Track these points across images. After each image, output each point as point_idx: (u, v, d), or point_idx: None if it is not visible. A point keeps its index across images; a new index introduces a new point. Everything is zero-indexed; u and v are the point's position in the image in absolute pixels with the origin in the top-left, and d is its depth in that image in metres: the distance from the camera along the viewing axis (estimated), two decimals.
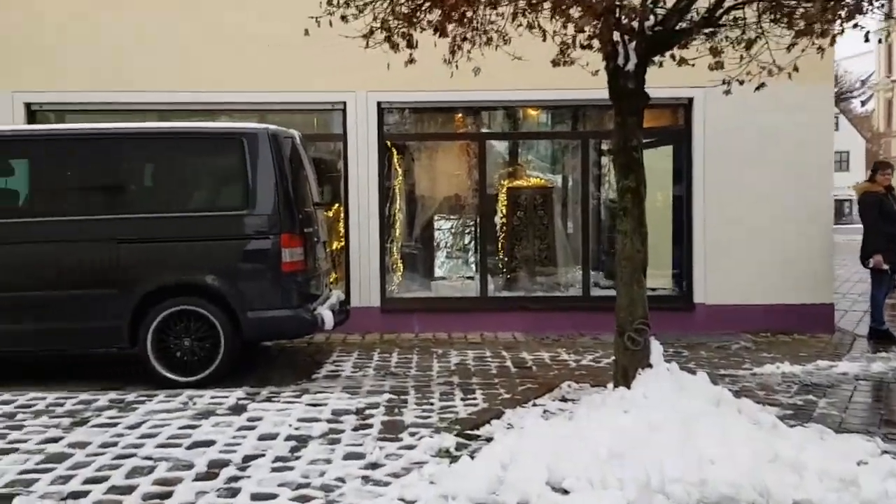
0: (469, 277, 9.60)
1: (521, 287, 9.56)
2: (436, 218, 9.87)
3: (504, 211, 9.63)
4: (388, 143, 9.27)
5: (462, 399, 5.91)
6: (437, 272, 9.75)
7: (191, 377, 6.29)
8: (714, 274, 9.02)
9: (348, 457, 4.57)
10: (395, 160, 9.45)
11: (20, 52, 8.61)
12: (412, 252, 9.72)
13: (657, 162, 9.64)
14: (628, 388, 5.18)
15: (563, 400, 5.97)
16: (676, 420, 4.24)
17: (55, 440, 4.92)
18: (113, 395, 6.07)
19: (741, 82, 6.46)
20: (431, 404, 5.76)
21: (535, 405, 5.76)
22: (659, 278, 9.53)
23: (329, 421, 5.29)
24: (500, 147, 9.95)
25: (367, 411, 5.54)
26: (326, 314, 6.66)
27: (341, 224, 9.17)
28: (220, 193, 6.74)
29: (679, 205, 9.34)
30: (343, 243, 9.09)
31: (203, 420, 5.33)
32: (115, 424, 5.25)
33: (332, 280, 7.99)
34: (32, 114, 8.86)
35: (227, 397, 5.93)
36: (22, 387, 6.26)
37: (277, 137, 6.56)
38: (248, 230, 6.38)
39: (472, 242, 9.75)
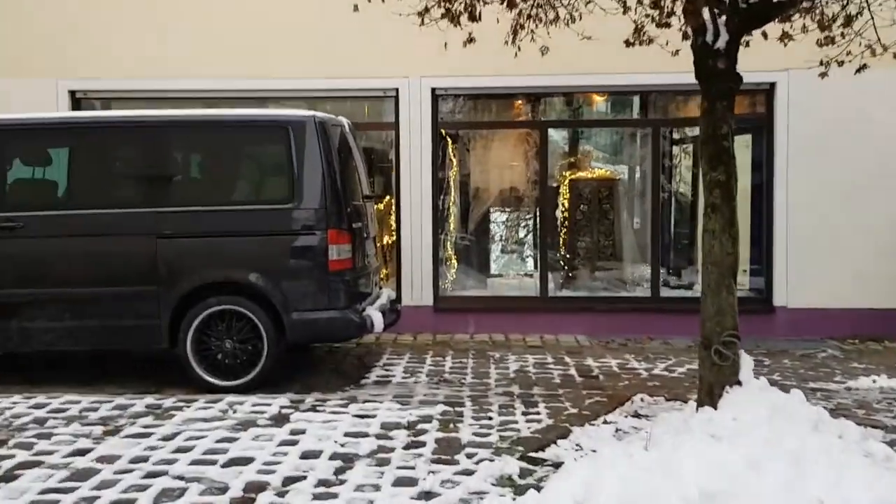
0: (528, 275, 9.03)
1: (584, 286, 8.96)
2: (492, 211, 9.33)
3: (566, 204, 9.03)
4: (443, 132, 8.75)
5: (523, 413, 5.38)
6: (494, 269, 9.21)
7: (232, 381, 5.89)
8: (797, 275, 8.28)
9: (399, 482, 4.08)
10: (450, 150, 8.93)
11: (64, 39, 8.33)
12: (467, 247, 9.20)
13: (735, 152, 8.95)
14: (715, 408, 4.58)
15: (637, 416, 5.39)
16: (780, 454, 3.64)
17: (84, 452, 4.54)
18: (150, 399, 5.71)
19: (840, 63, 5.79)
20: (490, 419, 5.23)
21: (605, 422, 5.19)
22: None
23: (378, 436, 4.81)
24: (562, 136, 9.35)
25: (420, 425, 5.05)
26: (376, 316, 6.18)
27: (392, 217, 8.70)
28: (263, 186, 6.32)
29: (758, 199, 8.61)
30: (394, 238, 8.62)
31: (242, 432, 4.90)
32: (148, 435, 4.86)
33: (381, 278, 7.52)
34: (77, 101, 8.59)
35: (269, 405, 5.51)
36: (58, 388, 5.95)
37: (325, 126, 6.09)
38: (293, 225, 5.93)
39: (531, 237, 9.18)
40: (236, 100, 7.99)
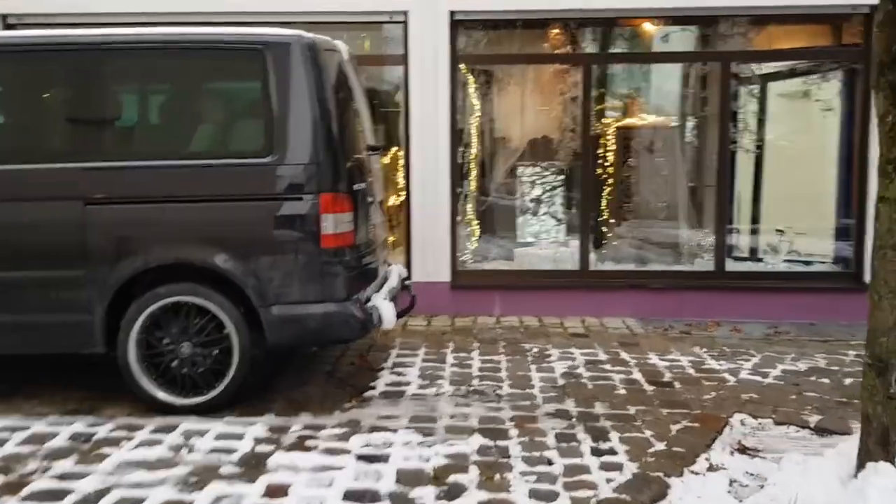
0: (564, 244, 7.47)
1: (633, 257, 7.40)
2: (522, 166, 7.72)
3: (611, 157, 7.42)
4: (464, 68, 7.11)
5: (593, 451, 3.88)
6: (523, 236, 7.63)
7: (192, 399, 4.38)
8: None
9: None
10: (472, 91, 7.29)
11: None
12: (491, 210, 7.62)
13: (818, 94, 7.33)
14: (893, 462, 3.09)
15: (745, 451, 3.91)
16: None
17: None
18: (80, 425, 4.20)
19: None
20: (548, 462, 3.73)
21: (711, 467, 3.70)
22: (816, 248, 7.33)
23: (393, 498, 3.32)
24: (607, 74, 7.68)
25: (452, 476, 3.54)
26: (385, 307, 4.65)
27: (400, 174, 7.10)
28: (232, 133, 4.68)
29: (848, 154, 7.03)
30: (402, 199, 7.04)
31: (196, 492, 3.40)
32: (60, 496, 3.36)
33: (389, 250, 5.96)
34: (10, 28, 6.92)
35: (240, 437, 4.00)
36: None
37: (317, 51, 4.46)
38: (272, 187, 4.35)
39: (569, 198, 7.59)
40: (203, 24, 6.31)
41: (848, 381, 5.12)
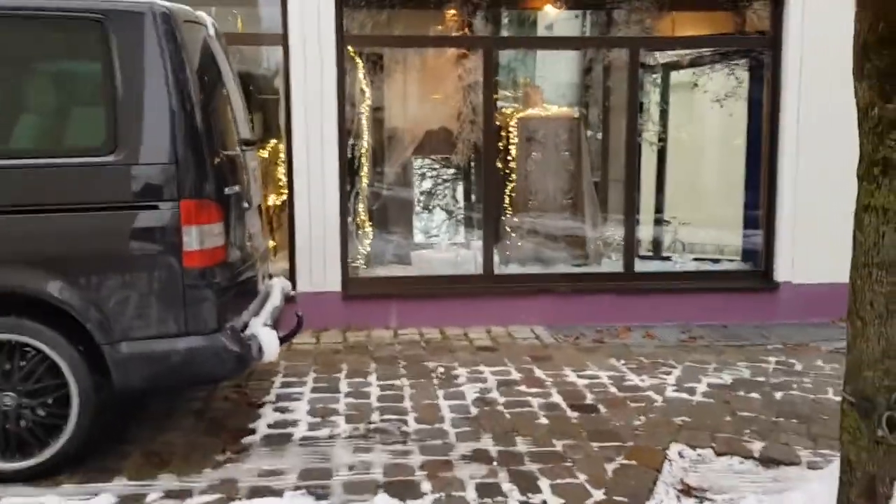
0: (465, 245, 6.86)
1: (539, 259, 6.87)
2: (419, 160, 7.04)
3: (514, 151, 6.86)
4: (352, 51, 6.34)
5: None
6: (421, 238, 6.96)
7: (20, 462, 3.45)
8: (806, 243, 6.50)
9: None
10: (362, 77, 6.54)
11: None
12: (386, 209, 6.90)
13: (724, 86, 7.02)
14: None
15: (693, 494, 3.42)
16: None
17: None
18: None
19: None
20: None
21: None
22: (724, 246, 7.05)
23: None
24: (510, 60, 7.11)
25: None
26: (266, 336, 3.86)
27: (282, 170, 6.27)
28: (66, 125, 3.73)
29: (756, 146, 6.75)
30: (285, 198, 6.21)
31: None
32: None
33: (269, 261, 5.14)
34: None
35: None
36: None
37: (174, 22, 3.59)
38: (119, 193, 3.47)
39: (470, 195, 6.99)
40: None
41: (778, 394, 4.75)
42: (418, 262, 6.64)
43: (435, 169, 7.00)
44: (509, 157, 6.89)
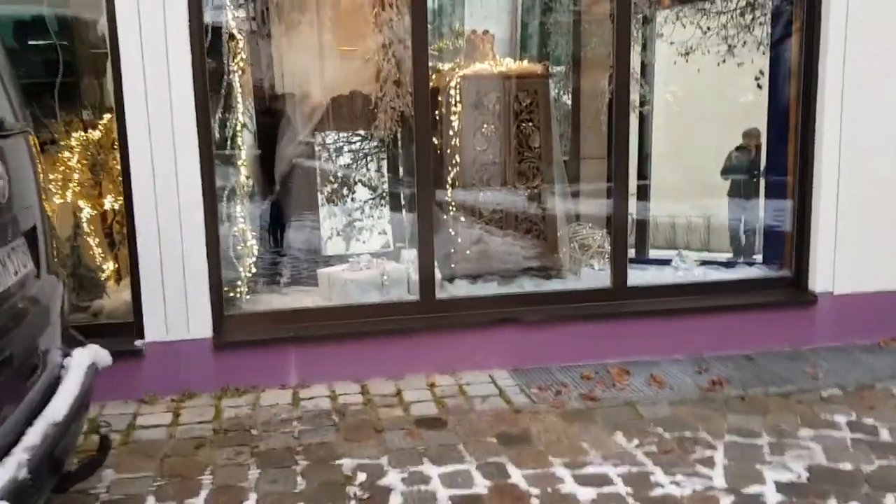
0: (395, 257, 4.94)
1: (496, 273, 5.01)
2: (324, 137, 5.06)
3: (457, 122, 4.94)
4: None
5: None
6: (332, 249, 5.01)
7: None
8: (854, 242, 4.84)
9: None
10: (230, 19, 4.46)
11: None
12: (279, 211, 4.91)
13: (739, 39, 5.27)
14: None
15: None
16: None
17: None
18: None
19: None
20: None
21: None
22: (739, 245, 5.34)
23: None
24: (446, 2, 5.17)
25: None
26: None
27: (114, 161, 4.20)
28: None
29: (780, 115, 5.04)
30: (119, 203, 4.16)
31: None
32: None
33: (66, 321, 3.07)
34: None
35: None
36: None
37: None
38: None
39: (399, 186, 5.06)
40: None
41: (888, 499, 3.05)
42: (328, 286, 4.69)
43: (348, 150, 5.02)
44: (451, 131, 4.98)
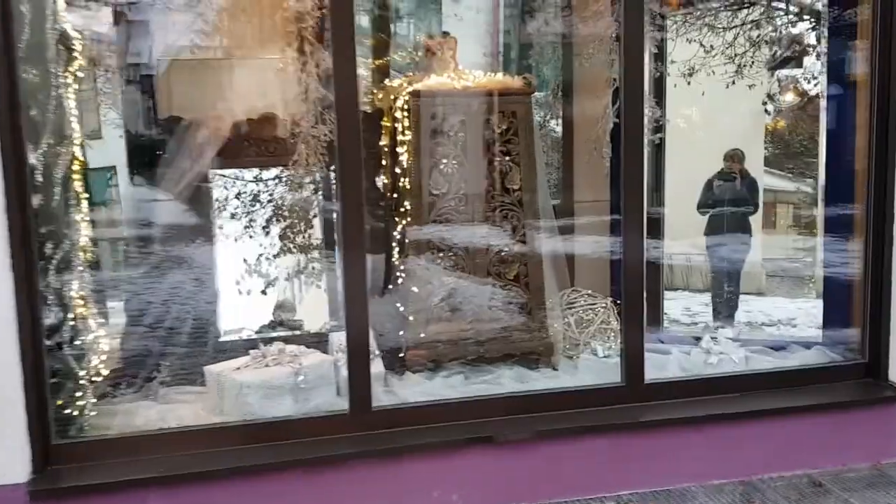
0: (314, 340, 3.52)
1: (462, 360, 3.62)
2: (221, 178, 3.67)
3: (407, 152, 3.56)
4: None
5: None
6: (228, 329, 3.59)
7: None
8: None
9: None
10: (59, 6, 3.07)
11: None
12: (135, 286, 3.49)
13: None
14: None
15: None
16: None
17: None
18: None
19: None
20: None
21: None
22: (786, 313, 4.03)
23: None
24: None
25: None
26: None
27: None
28: None
29: (840, 150, 3.76)
30: None
31: None
32: None
33: None
34: None
35: None
36: None
37: None
38: None
39: (325, 247, 3.67)
40: None
41: None
42: (217, 391, 3.25)
43: (257, 193, 3.64)
44: (398, 168, 3.61)
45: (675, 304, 5.38)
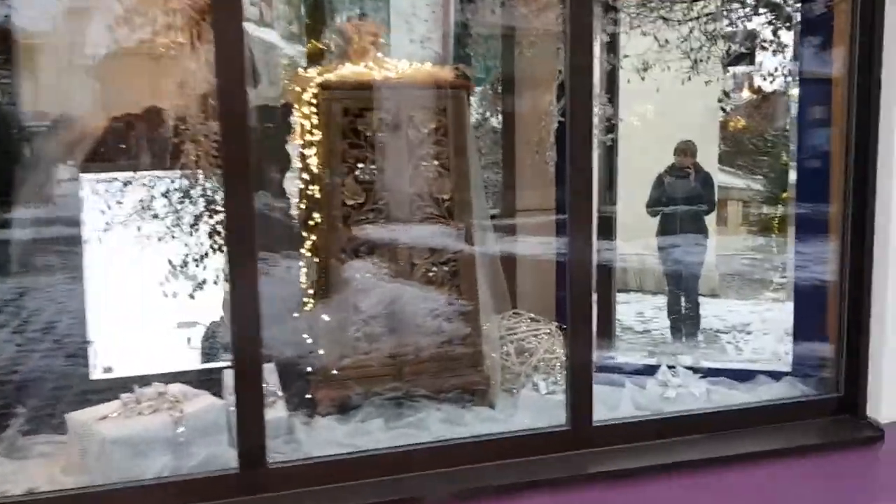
0: (203, 381, 2.95)
1: (381, 396, 3.09)
2: (94, 181, 3.08)
3: (318, 154, 3.02)
4: None
5: None
6: (104, 366, 3.01)
7: None
8: None
9: None
10: None
11: None
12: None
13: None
14: None
15: None
16: None
17: None
18: None
19: None
20: None
21: None
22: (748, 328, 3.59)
23: None
24: None
25: None
26: None
27: None
28: None
29: (811, 163, 3.34)
30: None
31: None
32: None
33: None
34: None
35: None
36: None
37: None
38: None
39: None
40: None
41: None
42: (79, 446, 2.67)
43: (139, 200, 3.06)
44: (306, 174, 3.06)
45: (628, 309, 4.94)
